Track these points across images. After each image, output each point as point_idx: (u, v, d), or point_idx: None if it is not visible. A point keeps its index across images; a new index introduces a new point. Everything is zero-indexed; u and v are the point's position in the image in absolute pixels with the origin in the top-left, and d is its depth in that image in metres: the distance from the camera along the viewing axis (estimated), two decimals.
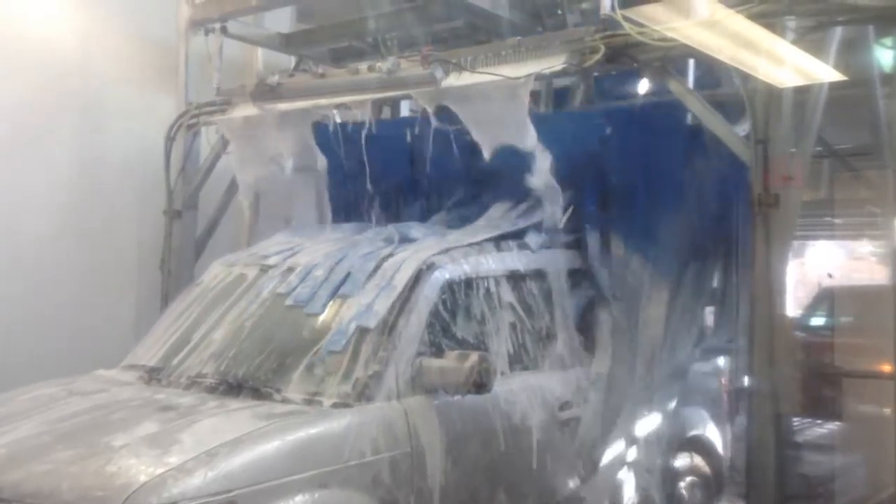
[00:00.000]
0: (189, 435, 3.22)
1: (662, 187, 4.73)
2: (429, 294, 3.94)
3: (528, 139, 4.46)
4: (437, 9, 5.72)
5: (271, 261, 4.50)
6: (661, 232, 4.72)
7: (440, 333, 3.93)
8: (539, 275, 4.53)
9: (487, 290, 4.22)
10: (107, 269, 6.40)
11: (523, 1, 5.66)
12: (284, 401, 3.60)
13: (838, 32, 4.52)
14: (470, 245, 4.34)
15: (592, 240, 4.74)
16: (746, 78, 4.20)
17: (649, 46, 4.20)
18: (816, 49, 4.28)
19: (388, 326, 3.78)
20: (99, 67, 6.35)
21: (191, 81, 6.41)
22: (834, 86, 4.50)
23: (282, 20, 7.02)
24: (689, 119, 4.75)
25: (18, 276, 5.87)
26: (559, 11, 5.70)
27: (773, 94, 4.16)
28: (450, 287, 4.04)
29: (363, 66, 5.15)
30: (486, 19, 5.69)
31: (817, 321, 8.41)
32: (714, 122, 4.36)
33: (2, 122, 5.80)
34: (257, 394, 3.68)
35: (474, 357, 3.57)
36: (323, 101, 5.24)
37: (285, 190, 5.67)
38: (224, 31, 6.28)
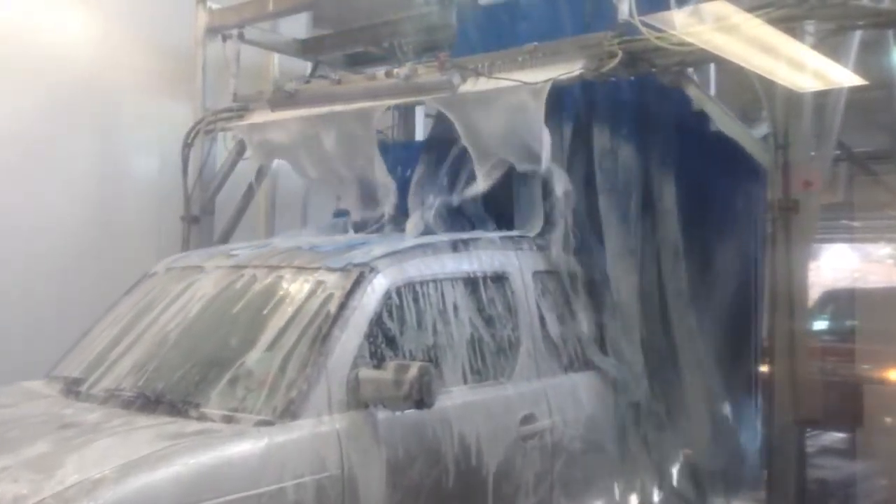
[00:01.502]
0: (79, 457, 2.86)
1: (683, 195, 4.71)
2: (369, 300, 3.57)
3: (543, 148, 4.46)
4: (453, 14, 5.72)
5: (212, 263, 4.22)
6: (680, 238, 4.70)
7: (383, 344, 3.57)
8: (500, 278, 4.22)
9: (439, 295, 3.88)
10: (125, 275, 6.42)
11: None
12: (201, 418, 3.24)
13: (858, 36, 4.49)
14: (419, 246, 4.03)
15: (606, 245, 4.71)
16: (766, 82, 4.17)
17: (667, 51, 4.17)
18: (836, 53, 4.25)
19: (321, 336, 3.41)
20: (116, 74, 6.39)
21: (208, 88, 6.45)
22: (853, 89, 4.48)
23: (298, 26, 7.05)
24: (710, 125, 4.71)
25: (37, 285, 5.90)
26: None
27: (792, 99, 4.13)
28: (395, 292, 3.70)
29: (380, 71, 5.16)
30: None
31: (821, 324, 8.30)
32: (734, 128, 4.33)
33: (20, 131, 5.83)
34: (174, 410, 3.33)
35: (414, 369, 3.21)
36: (339, 108, 5.25)
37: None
38: (241, 37, 6.32)
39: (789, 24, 3.97)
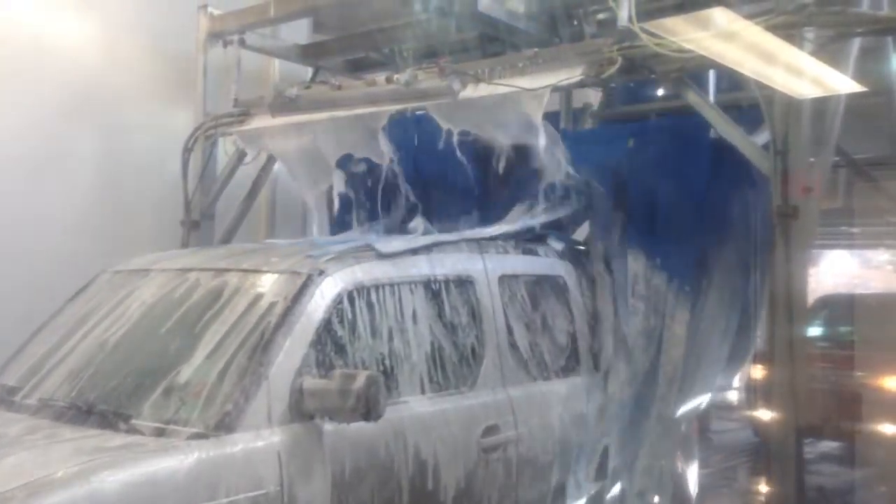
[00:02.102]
0: None
1: (686, 202, 4.72)
2: (316, 306, 3.35)
3: (541, 139, 4.48)
4: (454, 20, 5.73)
5: (158, 266, 4.04)
6: (685, 247, 4.70)
7: (333, 352, 3.35)
8: (463, 282, 4.01)
9: (396, 300, 3.68)
10: None
11: (540, 12, 5.66)
12: (130, 431, 3.01)
13: (857, 43, 4.51)
14: (375, 248, 3.84)
15: (612, 255, 4.72)
16: (765, 89, 4.18)
17: (667, 58, 4.19)
18: (835, 60, 4.27)
19: (262, 343, 3.19)
20: (118, 79, 6.40)
21: (209, 93, 6.46)
22: (852, 96, 4.49)
23: (299, 32, 7.06)
24: (711, 133, 4.72)
25: (38, 287, 5.89)
26: (576, 23, 5.70)
27: (792, 105, 4.14)
28: (346, 297, 3.47)
29: (380, 77, 5.17)
30: (502, 30, 5.70)
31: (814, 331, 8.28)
32: (733, 134, 4.35)
33: (22, 135, 5.84)
34: (104, 421, 3.11)
35: (361, 378, 3.00)
36: (340, 113, 5.26)
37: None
38: (242, 42, 6.33)
39: (788, 31, 3.99)
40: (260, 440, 3.02)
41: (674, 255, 4.69)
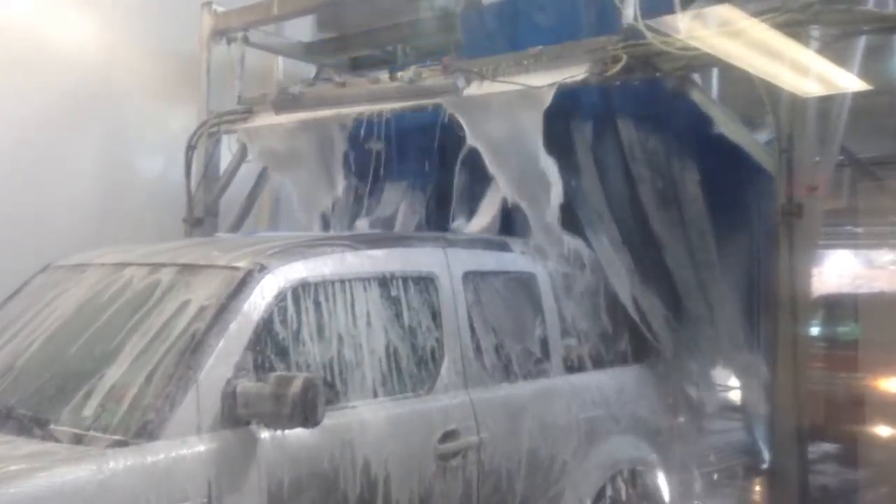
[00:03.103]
0: None
1: (687, 199, 4.71)
2: (255, 304, 3.12)
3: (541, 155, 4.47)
4: (458, 17, 5.73)
5: (97, 260, 3.81)
6: (688, 243, 4.70)
7: (274, 354, 3.12)
8: (423, 279, 3.78)
9: (347, 297, 3.44)
10: None
11: None
12: (45, 437, 2.81)
13: (863, 41, 4.50)
14: (324, 243, 3.62)
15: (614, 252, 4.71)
16: (770, 87, 4.18)
17: (672, 56, 4.17)
18: (841, 58, 4.26)
19: (193, 344, 2.97)
20: (121, 77, 6.40)
21: (212, 90, 6.46)
22: (858, 94, 4.48)
23: (302, 29, 7.06)
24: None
25: None
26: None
27: (797, 104, 4.13)
28: (290, 295, 3.24)
29: (384, 75, 5.17)
30: None
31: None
32: (737, 133, 4.34)
33: (25, 133, 5.85)
34: (22, 427, 2.90)
35: (299, 381, 2.80)
36: (344, 111, 5.26)
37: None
38: (245, 40, 6.34)
39: (794, 29, 3.97)
40: (185, 448, 2.78)
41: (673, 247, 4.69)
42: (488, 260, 4.18)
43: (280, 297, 3.20)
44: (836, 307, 7.93)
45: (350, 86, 5.31)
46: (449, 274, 3.86)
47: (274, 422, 2.89)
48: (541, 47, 4.65)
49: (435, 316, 3.74)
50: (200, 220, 6.37)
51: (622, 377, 4.57)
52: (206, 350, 2.95)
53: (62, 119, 6.05)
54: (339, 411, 3.20)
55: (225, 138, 6.37)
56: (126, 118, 6.51)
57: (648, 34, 4.06)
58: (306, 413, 2.80)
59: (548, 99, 4.43)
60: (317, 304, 3.32)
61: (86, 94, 6.21)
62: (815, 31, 4.02)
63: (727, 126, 4.37)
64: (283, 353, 3.16)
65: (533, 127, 4.45)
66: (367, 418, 3.30)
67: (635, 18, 4.13)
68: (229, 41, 6.36)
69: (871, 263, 12.66)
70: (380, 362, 3.47)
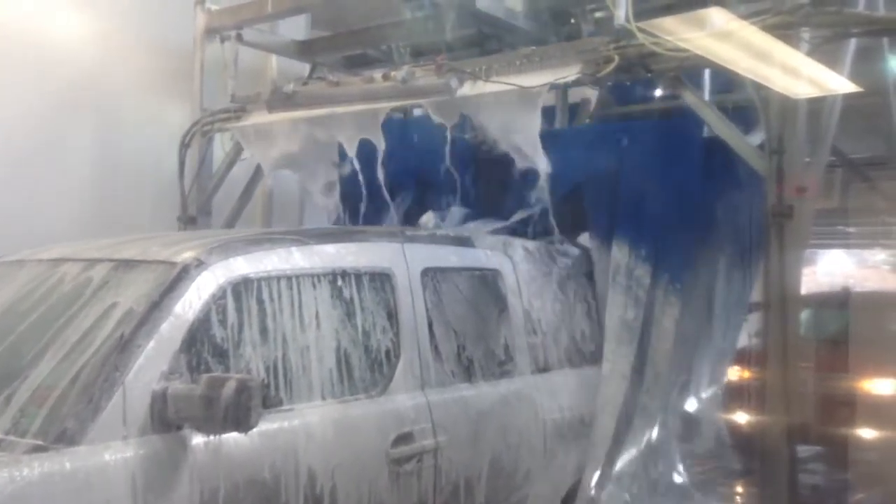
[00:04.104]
0: None
1: (678, 201, 4.73)
2: (190, 301, 2.94)
3: (538, 153, 4.50)
4: (452, 18, 5.74)
5: (36, 256, 3.65)
6: (677, 246, 4.71)
7: (210, 355, 2.95)
8: (379, 275, 3.60)
9: (293, 295, 3.27)
10: None
11: (537, 10, 5.68)
12: None
13: (853, 43, 4.52)
14: (269, 237, 3.44)
15: (603, 253, 4.73)
16: (761, 89, 4.20)
17: (663, 57, 4.20)
18: (831, 60, 4.28)
19: (121, 344, 2.78)
20: (115, 74, 6.40)
21: (206, 88, 6.45)
22: (848, 96, 4.50)
23: (296, 28, 7.06)
24: (705, 132, 4.73)
25: None
26: (573, 21, 5.71)
27: (787, 105, 4.15)
28: (230, 292, 3.06)
29: (377, 74, 5.18)
30: (499, 28, 5.71)
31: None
32: (728, 134, 4.36)
33: (18, 129, 5.85)
34: None
35: (232, 383, 2.64)
36: (338, 110, 5.27)
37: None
38: (239, 38, 6.34)
39: (785, 31, 4.00)
40: (109, 454, 2.60)
41: (663, 248, 4.70)
42: (450, 256, 4.01)
43: (219, 295, 3.02)
44: (827, 307, 7.95)
45: (343, 85, 5.31)
46: (407, 270, 3.70)
47: (205, 426, 2.73)
48: (533, 48, 4.68)
49: (390, 314, 3.58)
50: (194, 218, 6.37)
51: (594, 377, 4.45)
52: (135, 350, 2.77)
53: (55, 117, 6.05)
54: (282, 415, 3.06)
55: (218, 137, 6.38)
56: (119, 116, 6.51)
57: (640, 35, 4.08)
58: (239, 417, 2.64)
59: (540, 99, 4.47)
60: (260, 301, 3.15)
61: (79, 93, 6.21)
62: (806, 34, 4.04)
63: (718, 127, 4.39)
64: (221, 354, 2.98)
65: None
66: (313, 422, 3.14)
67: (627, 20, 4.15)
68: (223, 39, 6.35)
69: (862, 263, 12.70)
70: (329, 363, 3.29)
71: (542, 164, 4.60)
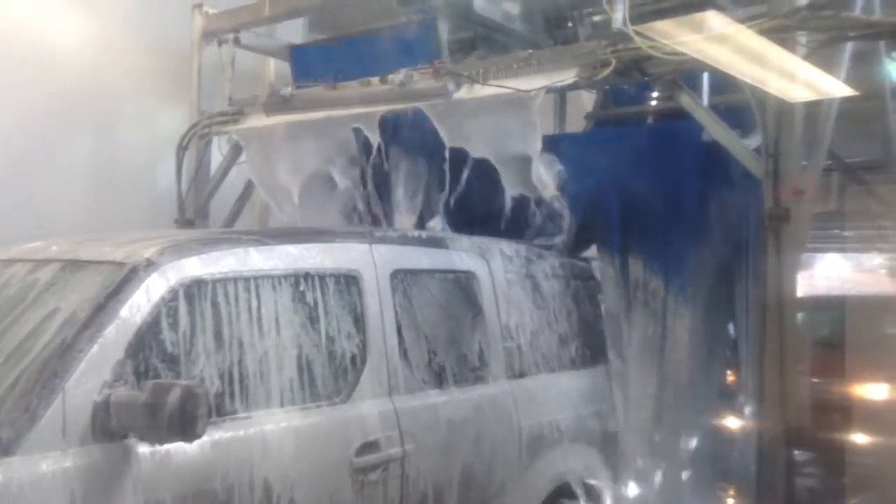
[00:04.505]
0: None
1: (679, 207, 4.73)
2: (138, 303, 2.79)
3: (536, 152, 4.50)
4: (448, 21, 5.75)
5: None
6: (681, 252, 4.71)
7: (160, 360, 2.80)
8: (345, 277, 3.45)
9: (251, 297, 3.11)
10: None
11: (534, 14, 5.69)
12: None
13: (850, 47, 4.53)
14: (225, 237, 3.28)
15: (609, 262, 4.73)
16: (757, 92, 4.20)
17: (660, 60, 4.21)
18: (828, 63, 4.29)
19: (63, 348, 2.64)
20: (112, 77, 6.41)
21: (203, 91, 6.47)
22: (845, 100, 4.51)
23: (294, 31, 7.07)
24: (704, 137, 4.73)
25: None
26: (570, 24, 5.72)
27: (784, 109, 4.16)
28: (183, 294, 2.90)
29: (375, 77, 5.18)
30: (496, 32, 5.72)
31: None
32: (725, 137, 4.36)
33: (16, 132, 5.85)
34: None
35: (177, 390, 2.51)
36: (335, 113, 5.27)
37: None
38: (237, 41, 6.35)
39: (781, 35, 4.00)
40: (46, 465, 2.47)
41: (670, 258, 4.70)
42: (421, 257, 3.87)
43: (170, 297, 2.87)
44: (823, 310, 7.96)
45: (341, 88, 5.32)
46: (375, 272, 3.55)
47: (149, 435, 2.59)
48: (530, 51, 4.69)
49: (357, 318, 3.43)
50: (191, 221, 6.37)
51: (571, 382, 4.35)
52: (76, 356, 2.62)
53: (52, 120, 6.05)
54: (237, 423, 2.93)
55: (216, 139, 6.38)
56: (117, 119, 6.52)
57: (637, 39, 4.08)
58: (184, 426, 2.51)
59: (538, 102, 4.47)
60: (214, 305, 2.99)
61: (77, 95, 6.21)
62: (803, 37, 4.05)
63: (715, 130, 4.39)
64: (172, 360, 2.83)
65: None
66: (271, 430, 3.00)
67: (624, 23, 4.15)
68: (220, 42, 6.37)
69: (859, 267, 12.70)
70: (289, 369, 3.15)
71: (546, 176, 4.60)
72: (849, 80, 4.46)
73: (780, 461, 4.12)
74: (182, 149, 6.32)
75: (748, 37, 3.90)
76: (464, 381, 3.81)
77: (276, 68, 7.06)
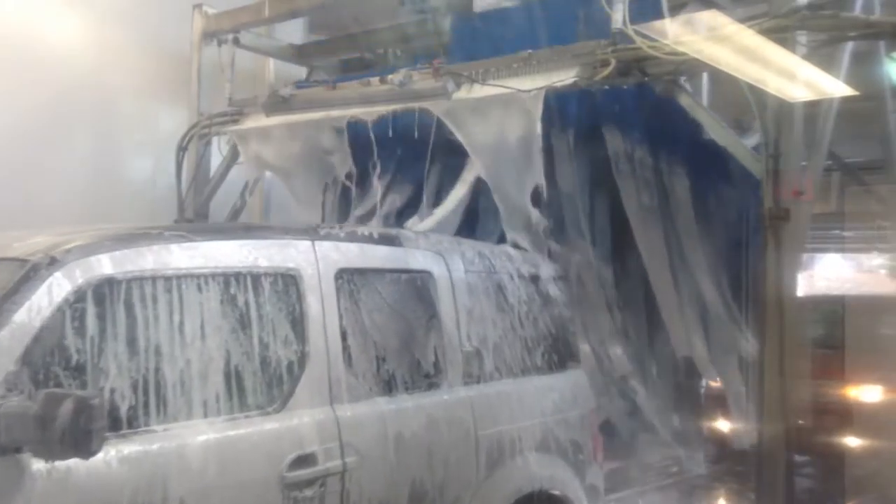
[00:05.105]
0: None
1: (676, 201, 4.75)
2: (38, 304, 2.56)
3: (536, 163, 4.50)
4: (448, 21, 5.75)
5: None
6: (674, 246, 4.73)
7: (64, 367, 2.56)
8: (283, 277, 3.18)
9: (171, 299, 2.85)
10: None
11: None
12: None
13: (849, 47, 4.53)
14: (143, 233, 2.95)
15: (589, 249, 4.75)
16: (758, 92, 4.20)
17: (660, 60, 4.21)
18: (827, 63, 4.29)
19: None
20: (112, 78, 6.41)
21: (203, 92, 6.48)
22: (845, 100, 4.51)
23: (293, 32, 7.08)
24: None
25: None
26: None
27: (784, 109, 4.16)
28: (91, 295, 2.65)
29: (374, 78, 5.18)
30: None
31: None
32: (724, 137, 4.36)
33: (17, 133, 5.84)
34: None
35: (69, 402, 2.30)
36: (335, 113, 5.27)
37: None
38: (237, 42, 6.36)
39: (781, 35, 4.00)
40: None
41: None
42: (371, 256, 3.58)
43: (75, 299, 2.62)
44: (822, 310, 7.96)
45: (340, 88, 5.32)
46: (317, 271, 3.28)
47: (42, 450, 2.37)
48: (530, 51, 4.68)
49: (296, 321, 3.17)
50: (191, 221, 6.37)
51: (537, 388, 4.08)
52: None
53: (52, 121, 6.04)
54: (150, 436, 2.67)
55: (215, 140, 6.38)
56: (117, 119, 6.51)
57: (637, 39, 4.08)
58: (78, 441, 2.30)
59: (538, 102, 4.47)
60: (128, 307, 2.73)
61: (77, 96, 6.20)
62: (802, 37, 4.05)
63: (715, 130, 4.40)
64: (77, 367, 2.58)
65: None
66: (190, 444, 2.75)
67: (624, 23, 4.15)
68: (220, 43, 6.37)
69: (858, 267, 12.72)
70: (215, 377, 2.89)
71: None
72: (848, 80, 4.46)
73: (779, 462, 4.12)
74: (182, 149, 6.33)
75: (748, 37, 3.90)
76: (416, 388, 3.52)
77: (275, 68, 7.07)
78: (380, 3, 5.85)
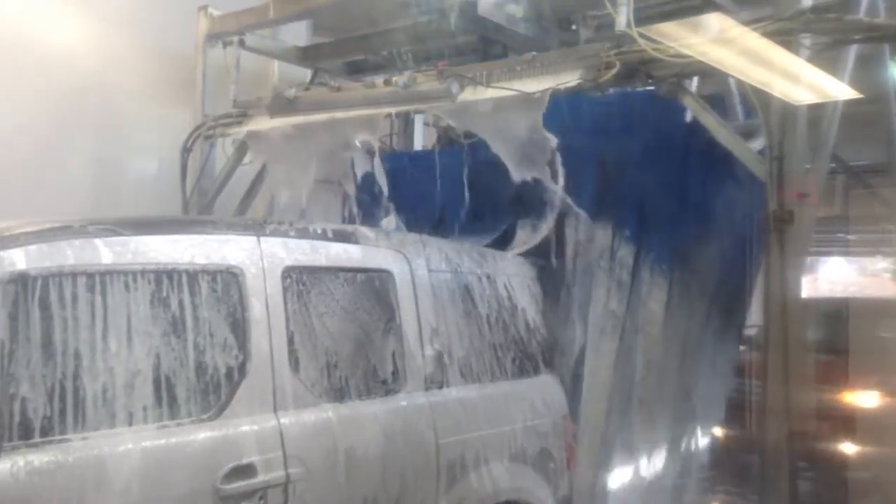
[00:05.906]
0: None
1: (682, 204, 4.74)
2: None
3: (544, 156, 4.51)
4: (453, 23, 5.75)
5: None
6: (662, 225, 4.73)
7: None
8: (223, 274, 2.99)
9: (96, 298, 2.66)
10: None
11: (538, 16, 5.68)
12: None
13: (854, 50, 4.53)
14: (67, 226, 2.76)
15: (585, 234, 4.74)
16: (762, 95, 4.20)
17: (664, 63, 4.20)
18: (832, 66, 4.29)
19: None
20: (117, 79, 6.41)
21: (208, 94, 6.48)
22: (849, 103, 4.51)
23: (298, 33, 7.08)
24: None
25: None
26: (574, 27, 5.71)
27: (788, 111, 4.16)
28: (1, 291, 2.50)
29: (379, 80, 5.19)
30: (501, 34, 5.72)
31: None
32: (729, 139, 4.36)
33: (21, 135, 5.85)
34: None
35: None
36: (339, 115, 5.28)
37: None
38: (241, 43, 6.35)
39: (785, 38, 4.00)
40: None
41: (647, 228, 4.70)
42: (323, 254, 3.36)
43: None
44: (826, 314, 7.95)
45: (345, 90, 5.33)
46: (262, 269, 3.09)
47: None
48: (534, 53, 4.69)
49: (236, 322, 2.98)
50: None
51: (505, 394, 3.90)
52: None
53: (58, 122, 6.06)
54: (65, 446, 2.50)
55: (220, 141, 6.39)
56: (122, 121, 6.52)
57: (641, 41, 4.08)
58: None
59: (542, 105, 4.47)
60: (44, 305, 2.56)
61: (81, 97, 6.22)
62: (806, 40, 4.05)
63: (719, 133, 4.39)
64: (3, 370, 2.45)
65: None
66: (111, 454, 2.57)
67: (628, 25, 4.15)
68: (225, 44, 6.37)
69: (862, 270, 12.70)
70: (142, 382, 2.71)
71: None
72: (853, 83, 4.46)
73: (783, 467, 4.11)
74: (186, 151, 6.33)
75: (753, 39, 3.90)
76: (371, 395, 3.34)
77: (279, 70, 7.07)
78: (385, 6, 5.84)
